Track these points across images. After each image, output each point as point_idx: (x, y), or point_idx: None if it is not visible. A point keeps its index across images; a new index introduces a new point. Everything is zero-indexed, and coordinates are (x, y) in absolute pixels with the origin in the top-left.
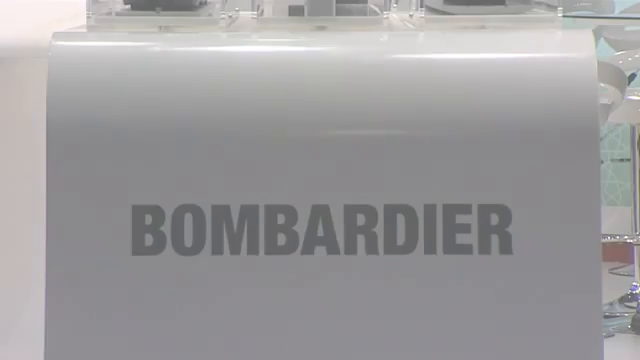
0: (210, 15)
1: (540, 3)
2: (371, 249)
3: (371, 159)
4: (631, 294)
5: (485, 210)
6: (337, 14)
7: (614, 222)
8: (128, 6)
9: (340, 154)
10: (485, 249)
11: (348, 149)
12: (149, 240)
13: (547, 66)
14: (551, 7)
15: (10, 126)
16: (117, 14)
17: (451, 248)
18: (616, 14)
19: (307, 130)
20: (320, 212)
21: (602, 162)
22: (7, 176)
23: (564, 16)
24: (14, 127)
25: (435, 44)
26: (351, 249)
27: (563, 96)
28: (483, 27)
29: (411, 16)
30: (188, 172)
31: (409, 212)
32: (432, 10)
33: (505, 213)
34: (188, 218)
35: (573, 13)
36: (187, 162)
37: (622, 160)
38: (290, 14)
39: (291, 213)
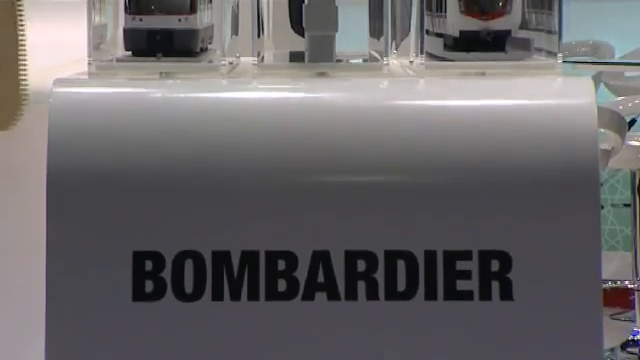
0: (211, 61)
1: (540, 50)
2: (372, 295)
3: (371, 205)
4: (632, 340)
5: (485, 256)
6: (337, 60)
7: (615, 267)
8: (129, 52)
9: (340, 200)
10: (486, 295)
11: (348, 195)
12: (149, 286)
13: (547, 112)
14: (551, 54)
15: (11, 171)
16: (118, 60)
17: (452, 294)
18: (616, 59)
19: (308, 176)
20: (320, 258)
21: (602, 207)
22: (7, 222)
23: (564, 61)
24: (15, 172)
25: (435, 91)
26: (352, 295)
27: (563, 142)
28: (483, 74)
29: (411, 62)
30: (188, 218)
31: (410, 258)
32: (432, 57)
33: (505, 259)
34: (188, 264)
35: (573, 59)
36: (187, 208)
37: (623, 205)
38: (291, 60)
39: (291, 259)
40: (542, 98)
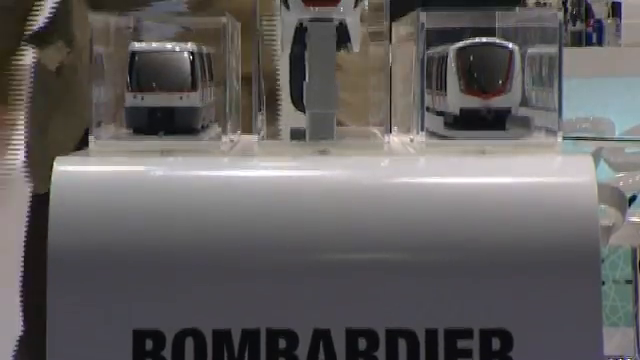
0: (212, 139)
1: (540, 128)
2: None
3: (372, 283)
4: None
5: (486, 335)
6: (338, 138)
7: (617, 344)
8: (130, 130)
9: (341, 278)
10: None
11: (349, 273)
12: None
13: (547, 190)
14: (551, 132)
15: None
16: (119, 138)
17: None
18: (616, 136)
19: (308, 254)
20: (321, 336)
21: (604, 284)
22: None
23: (564, 138)
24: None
25: (436, 168)
26: None
27: (564, 220)
28: (483, 152)
29: (412, 140)
30: (189, 297)
31: (410, 337)
32: (433, 134)
33: (506, 338)
34: (189, 343)
35: (573, 135)
36: (188, 287)
37: (624, 282)
38: (292, 138)
39: (292, 337)
40: (542, 176)
